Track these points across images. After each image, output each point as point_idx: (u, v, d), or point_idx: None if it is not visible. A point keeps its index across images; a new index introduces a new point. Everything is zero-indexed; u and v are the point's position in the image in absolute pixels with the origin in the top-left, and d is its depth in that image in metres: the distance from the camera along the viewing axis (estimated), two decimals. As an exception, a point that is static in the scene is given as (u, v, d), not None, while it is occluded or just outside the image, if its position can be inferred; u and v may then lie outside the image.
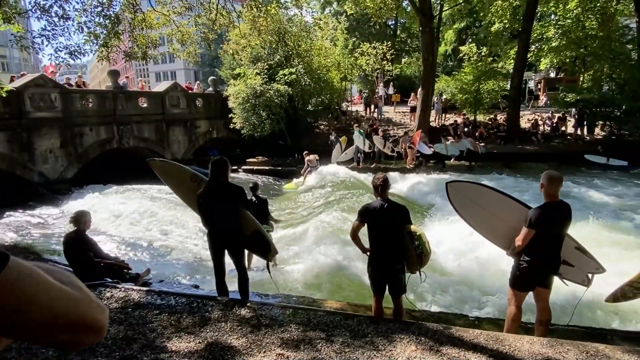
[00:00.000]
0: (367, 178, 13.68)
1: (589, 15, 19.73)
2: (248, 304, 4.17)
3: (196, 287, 5.72)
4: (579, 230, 5.54)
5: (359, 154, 15.84)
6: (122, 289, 4.58)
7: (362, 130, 16.00)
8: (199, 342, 3.36)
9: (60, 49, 9.30)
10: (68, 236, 4.96)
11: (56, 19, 9.07)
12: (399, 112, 22.73)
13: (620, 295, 3.94)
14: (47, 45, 10.35)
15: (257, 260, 4.80)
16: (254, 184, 7.46)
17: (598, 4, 19.68)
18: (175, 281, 6.09)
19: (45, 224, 10.05)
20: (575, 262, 3.87)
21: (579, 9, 19.62)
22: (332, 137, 17.17)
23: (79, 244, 4.86)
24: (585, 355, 3.13)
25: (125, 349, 3.26)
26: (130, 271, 5.41)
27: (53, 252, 7.30)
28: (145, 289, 4.75)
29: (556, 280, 3.79)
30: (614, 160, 14.76)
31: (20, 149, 12.48)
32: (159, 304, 4.21)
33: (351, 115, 22.53)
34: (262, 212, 6.85)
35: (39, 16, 9.07)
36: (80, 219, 4.90)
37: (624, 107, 15.79)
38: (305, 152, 15.27)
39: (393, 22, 31.85)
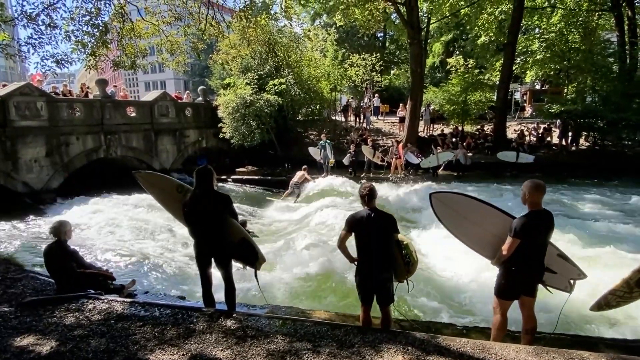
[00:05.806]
0: (345, 186, 13.82)
1: (572, 29, 20.33)
2: (234, 315, 4.12)
3: (182, 298, 5.64)
4: (562, 239, 5.61)
5: (326, 164, 15.72)
6: (105, 301, 4.48)
7: (329, 141, 16.05)
8: (183, 355, 3.29)
9: (47, 57, 9.23)
10: (49, 247, 4.85)
11: (43, 27, 9.00)
12: (389, 122, 22.95)
13: (604, 303, 3.99)
14: (33, 54, 10.27)
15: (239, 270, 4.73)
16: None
17: (580, 19, 20.28)
18: (161, 292, 5.97)
19: (29, 235, 9.80)
20: (557, 269, 3.92)
21: (562, 23, 20.21)
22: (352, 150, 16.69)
23: (59, 255, 4.76)
24: (570, 363, 3.14)
25: (106, 362, 3.18)
26: (114, 282, 5.30)
27: (36, 263, 7.12)
28: (128, 300, 4.66)
29: (540, 288, 3.82)
30: (523, 157, 15.72)
31: (4, 157, 12.22)
32: (143, 315, 4.13)
33: (340, 125, 22.64)
34: None
35: (26, 24, 8.99)
36: (60, 229, 4.81)
37: (606, 118, 16.15)
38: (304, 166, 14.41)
39: (382, 34, 32.36)
